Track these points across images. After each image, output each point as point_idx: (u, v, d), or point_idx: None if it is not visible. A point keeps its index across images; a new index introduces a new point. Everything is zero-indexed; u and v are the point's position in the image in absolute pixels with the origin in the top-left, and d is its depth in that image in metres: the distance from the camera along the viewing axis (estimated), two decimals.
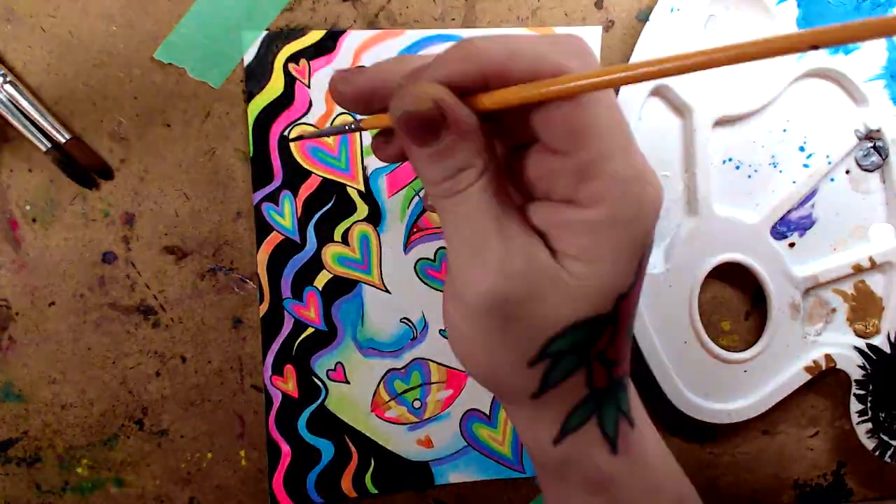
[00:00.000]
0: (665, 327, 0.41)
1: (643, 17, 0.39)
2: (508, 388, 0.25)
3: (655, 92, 0.39)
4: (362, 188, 0.38)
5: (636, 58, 0.38)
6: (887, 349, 0.42)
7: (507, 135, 0.25)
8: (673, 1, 0.38)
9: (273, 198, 0.37)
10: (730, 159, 0.41)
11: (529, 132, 0.23)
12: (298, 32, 0.36)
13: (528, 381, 0.24)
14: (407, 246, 0.39)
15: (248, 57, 0.36)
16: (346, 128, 0.27)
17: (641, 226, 0.23)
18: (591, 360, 0.24)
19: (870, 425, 0.42)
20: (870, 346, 0.42)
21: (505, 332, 0.23)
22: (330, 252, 0.38)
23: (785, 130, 0.41)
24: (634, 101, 0.39)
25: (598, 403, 0.25)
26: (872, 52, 0.40)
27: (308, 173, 0.37)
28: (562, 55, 0.21)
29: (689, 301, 0.41)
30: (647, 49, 0.38)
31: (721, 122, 0.40)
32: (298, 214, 0.38)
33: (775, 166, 0.41)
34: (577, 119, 0.21)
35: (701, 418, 0.41)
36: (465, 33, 0.37)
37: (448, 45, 0.24)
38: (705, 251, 0.41)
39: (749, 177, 0.41)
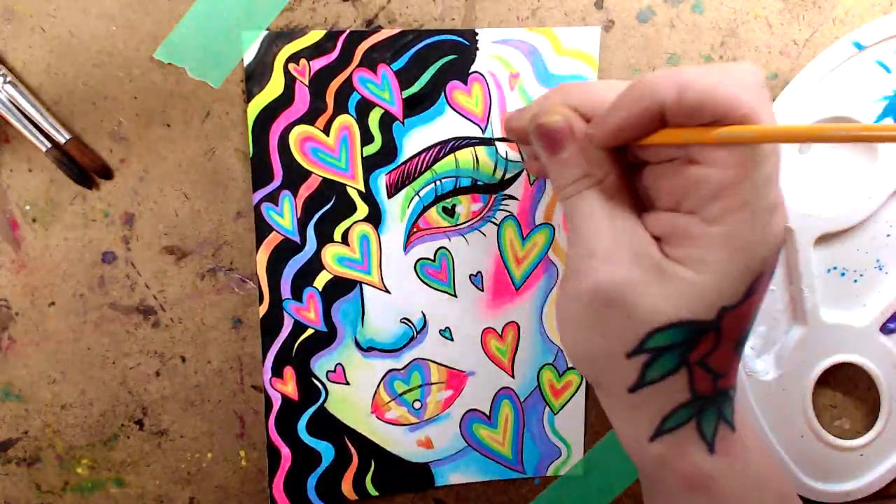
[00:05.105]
0: (781, 426, 0.42)
1: (643, 18, 0.39)
2: (607, 377, 0.26)
3: None
4: (362, 188, 0.38)
5: None
6: None
7: (638, 151, 0.27)
8: None
9: (273, 198, 0.37)
10: (834, 268, 0.41)
11: (664, 151, 0.25)
12: (298, 32, 0.36)
13: (627, 372, 0.25)
14: (407, 246, 0.39)
15: (248, 57, 0.36)
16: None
17: (759, 253, 0.24)
18: (691, 365, 0.25)
19: None
20: None
21: (606, 320, 0.25)
22: (330, 252, 0.38)
23: (888, 235, 0.41)
24: None
25: (699, 409, 0.26)
26: None
27: (308, 173, 0.37)
28: (734, 86, 0.23)
29: (802, 403, 0.42)
30: None
31: (823, 239, 0.41)
32: (298, 214, 0.38)
33: (881, 269, 0.42)
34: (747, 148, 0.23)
35: (818, 500, 0.43)
36: (465, 32, 0.37)
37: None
38: (817, 354, 0.42)
39: (855, 281, 0.42)
